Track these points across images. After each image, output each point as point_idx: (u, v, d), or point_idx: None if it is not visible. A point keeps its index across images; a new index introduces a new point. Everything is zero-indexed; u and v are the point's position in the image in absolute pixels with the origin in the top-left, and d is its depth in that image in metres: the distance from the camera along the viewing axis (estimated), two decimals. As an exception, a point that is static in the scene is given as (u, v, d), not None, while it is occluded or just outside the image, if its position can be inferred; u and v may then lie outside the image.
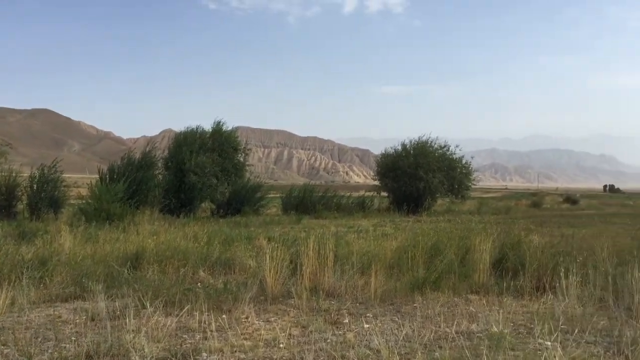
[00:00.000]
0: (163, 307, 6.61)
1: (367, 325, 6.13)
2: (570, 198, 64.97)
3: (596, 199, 76.47)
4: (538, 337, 5.48)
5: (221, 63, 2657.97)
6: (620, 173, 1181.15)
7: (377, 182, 37.97)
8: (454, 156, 37.33)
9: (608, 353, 5.25)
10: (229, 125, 33.12)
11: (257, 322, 6.36)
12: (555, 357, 4.49)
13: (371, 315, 6.73)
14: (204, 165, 30.26)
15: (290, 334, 5.80)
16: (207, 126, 32.89)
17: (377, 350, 5.18)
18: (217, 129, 32.57)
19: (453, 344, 5.37)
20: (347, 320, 6.37)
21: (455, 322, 6.19)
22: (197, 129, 32.54)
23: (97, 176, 26.72)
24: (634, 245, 10.07)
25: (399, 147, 37.16)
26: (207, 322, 5.94)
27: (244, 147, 34.12)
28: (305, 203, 33.45)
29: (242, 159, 33.49)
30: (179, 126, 33.40)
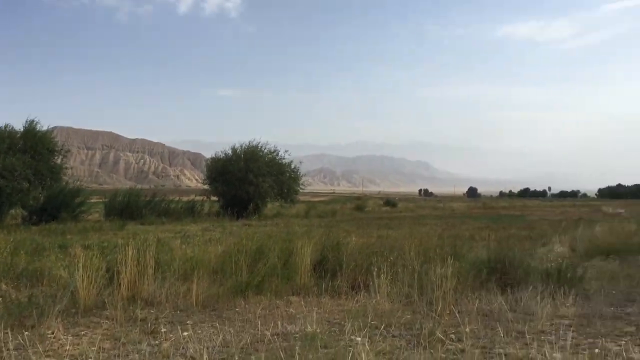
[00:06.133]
0: (-49, 327, 5.84)
1: (186, 333, 5.98)
2: (390, 201, 70.12)
3: (413, 202, 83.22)
4: (349, 333, 5.77)
5: (42, 57, 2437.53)
6: (434, 178, 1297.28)
7: (207, 187, 37.62)
8: (283, 161, 38.25)
9: (410, 345, 5.69)
10: (44, 125, 30.60)
11: (64, 337, 5.89)
12: (362, 351, 4.75)
13: (191, 323, 6.58)
14: (14, 167, 27.55)
15: (100, 347, 5.46)
16: (19, 125, 30.04)
17: (193, 358, 5.09)
18: (30, 130, 29.84)
19: (270, 346, 5.45)
20: (164, 330, 6.17)
21: (273, 324, 6.30)
22: (5, 128, 29.57)
23: None
24: (438, 244, 11.06)
25: (229, 152, 37.22)
26: (4, 341, 5.37)
27: (62, 149, 31.64)
28: (130, 208, 31.94)
29: (59, 162, 31.01)
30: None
